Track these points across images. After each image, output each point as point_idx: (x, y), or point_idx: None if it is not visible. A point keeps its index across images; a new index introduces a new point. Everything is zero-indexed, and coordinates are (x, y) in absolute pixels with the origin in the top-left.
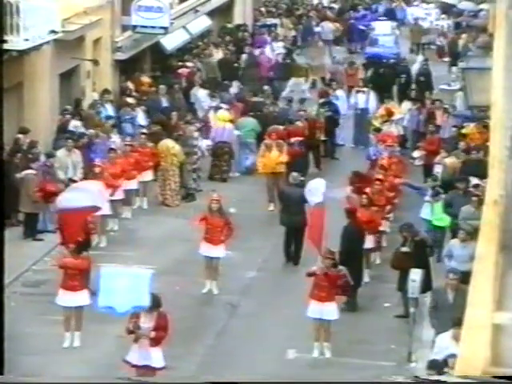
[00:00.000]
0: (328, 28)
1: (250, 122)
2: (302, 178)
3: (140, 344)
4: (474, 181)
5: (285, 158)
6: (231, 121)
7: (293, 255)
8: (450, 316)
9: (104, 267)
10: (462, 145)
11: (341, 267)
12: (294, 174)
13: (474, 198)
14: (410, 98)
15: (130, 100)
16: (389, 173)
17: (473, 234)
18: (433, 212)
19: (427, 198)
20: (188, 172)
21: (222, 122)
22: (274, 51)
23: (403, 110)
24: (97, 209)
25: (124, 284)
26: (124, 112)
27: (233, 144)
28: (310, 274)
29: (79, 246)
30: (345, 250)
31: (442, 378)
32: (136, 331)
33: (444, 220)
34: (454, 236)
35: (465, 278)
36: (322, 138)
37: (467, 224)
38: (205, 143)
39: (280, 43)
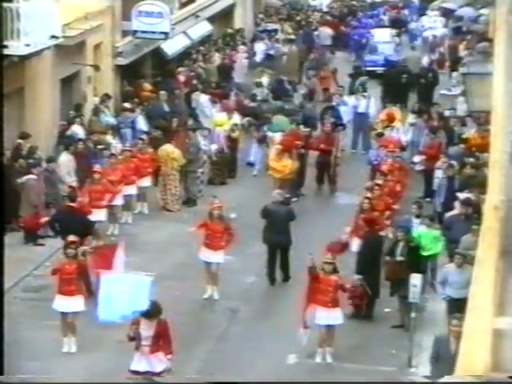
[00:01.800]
0: (325, 33)
1: (281, 120)
2: (288, 195)
3: (141, 351)
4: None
5: (295, 164)
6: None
7: (281, 275)
8: (452, 366)
9: (104, 274)
10: (471, 161)
11: (357, 276)
12: (279, 191)
13: (475, 227)
14: (413, 111)
15: (127, 105)
16: (390, 178)
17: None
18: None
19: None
20: (192, 178)
21: (219, 126)
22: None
23: (407, 122)
24: None
25: (124, 291)
26: (123, 117)
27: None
28: (312, 271)
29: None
30: (364, 259)
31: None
32: (137, 339)
33: (434, 248)
34: (451, 261)
35: (460, 304)
36: (339, 154)
37: (468, 254)
38: (213, 147)
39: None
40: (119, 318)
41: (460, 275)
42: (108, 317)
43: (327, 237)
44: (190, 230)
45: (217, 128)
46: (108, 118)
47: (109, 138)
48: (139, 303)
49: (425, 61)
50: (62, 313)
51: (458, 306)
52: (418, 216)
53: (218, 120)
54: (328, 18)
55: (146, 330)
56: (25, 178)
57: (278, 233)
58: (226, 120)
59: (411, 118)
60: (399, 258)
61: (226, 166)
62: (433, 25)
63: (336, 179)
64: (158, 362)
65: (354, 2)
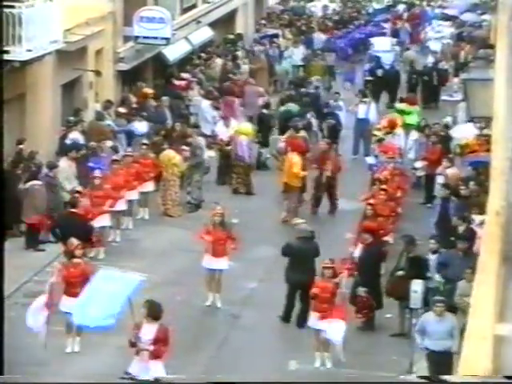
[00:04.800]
0: (319, 39)
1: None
2: (313, 230)
3: (141, 356)
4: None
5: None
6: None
7: (299, 318)
8: None
9: (101, 270)
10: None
11: (362, 289)
12: (304, 225)
13: (468, 271)
14: (417, 128)
15: (121, 109)
16: (390, 184)
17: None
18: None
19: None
20: (194, 183)
21: (244, 134)
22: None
23: (410, 139)
24: None
25: (108, 292)
26: (118, 122)
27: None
28: (313, 297)
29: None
30: (365, 270)
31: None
32: (137, 343)
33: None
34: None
35: (441, 358)
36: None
37: (463, 301)
38: (208, 154)
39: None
40: (90, 325)
41: (439, 325)
42: (83, 322)
43: (329, 243)
44: (193, 238)
45: (241, 136)
46: (111, 123)
47: (109, 143)
48: (115, 308)
49: (430, 60)
50: (68, 314)
51: (438, 360)
52: (435, 252)
53: (242, 128)
54: (329, 23)
55: (147, 334)
56: (29, 184)
57: (302, 272)
58: (250, 129)
59: (414, 135)
60: (400, 273)
61: (248, 175)
62: (439, 35)
63: (336, 202)
64: (155, 369)
65: (349, 10)
